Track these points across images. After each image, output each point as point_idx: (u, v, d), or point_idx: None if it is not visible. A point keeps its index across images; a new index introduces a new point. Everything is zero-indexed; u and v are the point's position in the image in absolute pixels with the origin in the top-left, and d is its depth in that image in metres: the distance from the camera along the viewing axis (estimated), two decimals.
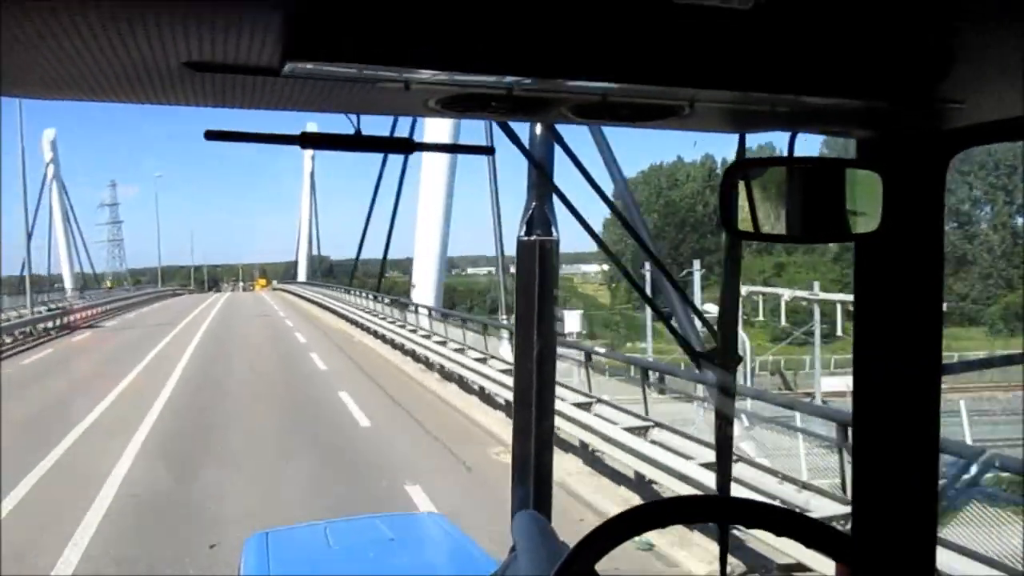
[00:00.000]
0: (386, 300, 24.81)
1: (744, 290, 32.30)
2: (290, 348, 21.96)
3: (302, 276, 78.73)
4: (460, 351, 13.73)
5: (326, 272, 78.01)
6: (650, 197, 61.30)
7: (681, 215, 56.91)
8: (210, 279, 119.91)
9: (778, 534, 0.92)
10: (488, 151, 1.10)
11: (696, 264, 30.99)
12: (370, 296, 27.91)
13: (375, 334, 22.17)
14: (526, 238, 1.96)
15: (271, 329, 28.69)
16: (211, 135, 1.00)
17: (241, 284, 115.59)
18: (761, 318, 35.72)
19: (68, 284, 65.72)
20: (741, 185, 1.04)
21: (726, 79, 0.82)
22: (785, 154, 1.08)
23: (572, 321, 36.35)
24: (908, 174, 1.08)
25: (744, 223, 1.05)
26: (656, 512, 0.90)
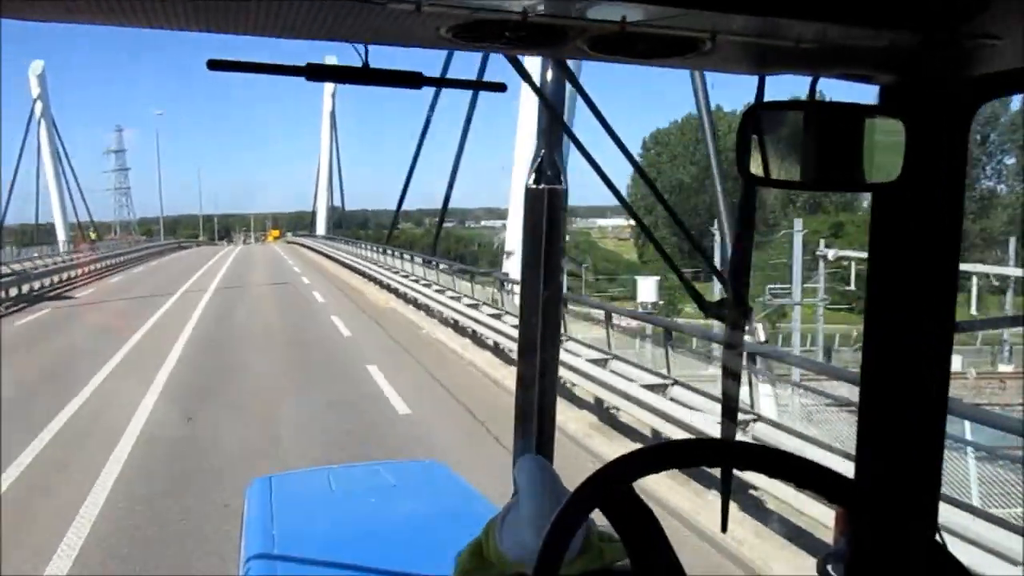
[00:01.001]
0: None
1: (831, 253, 30.07)
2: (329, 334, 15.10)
3: (321, 228, 72.49)
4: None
5: (336, 224, 72.77)
6: (688, 147, 60.21)
7: (724, 167, 54.78)
8: (220, 229, 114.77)
9: (778, 477, 0.90)
10: (500, 87, 1.06)
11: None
12: (433, 263, 19.49)
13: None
14: (534, 186, 1.92)
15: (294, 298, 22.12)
16: (214, 64, 0.98)
17: (252, 235, 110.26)
18: (853, 287, 31.13)
19: (61, 236, 54.78)
20: (759, 129, 1.01)
21: (749, 2, 0.79)
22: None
23: (647, 289, 31.94)
24: (932, 122, 1.04)
25: (760, 169, 1.02)
26: (656, 455, 0.88)
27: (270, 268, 37.74)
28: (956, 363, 22.49)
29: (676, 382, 7.75)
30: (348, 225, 74.23)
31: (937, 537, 1.16)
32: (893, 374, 1.13)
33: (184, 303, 20.88)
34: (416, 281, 19.85)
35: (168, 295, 22.84)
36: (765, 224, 43.14)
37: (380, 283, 23.86)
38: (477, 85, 1.01)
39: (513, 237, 17.68)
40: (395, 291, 21.21)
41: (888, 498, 1.12)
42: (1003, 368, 28.06)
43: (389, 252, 26.35)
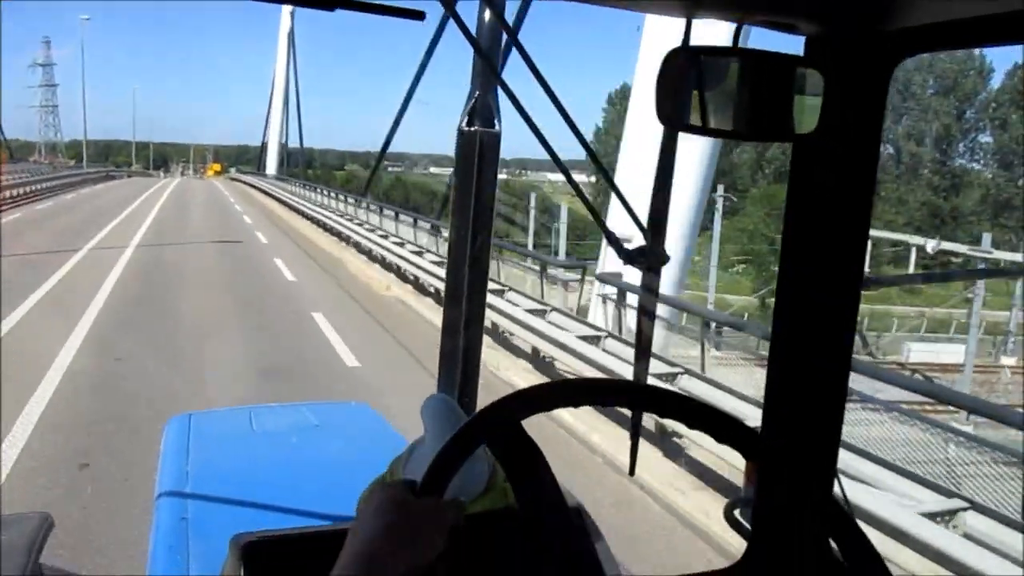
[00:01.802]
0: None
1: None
2: None
3: (271, 168, 64.04)
4: None
5: (290, 163, 63.62)
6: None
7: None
8: (157, 159, 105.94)
9: (690, 426, 0.91)
10: (418, 15, 1.01)
11: (720, 189, 27.59)
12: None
13: None
14: (467, 128, 1.88)
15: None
16: None
17: (192, 168, 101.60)
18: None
19: None
20: (683, 74, 0.99)
21: None
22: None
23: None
24: (851, 76, 1.04)
25: (683, 115, 1.00)
26: (564, 390, 0.87)
27: (214, 214, 31.16)
28: (959, 356, 22.13)
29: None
30: (297, 165, 65.50)
31: (836, 487, 1.20)
32: (802, 328, 1.14)
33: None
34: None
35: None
36: (735, 189, 43.14)
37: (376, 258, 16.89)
38: (393, 11, 0.96)
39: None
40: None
41: (791, 451, 1.15)
42: (1006, 361, 26.65)
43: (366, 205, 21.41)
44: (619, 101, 66.01)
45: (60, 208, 30.10)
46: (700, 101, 1.00)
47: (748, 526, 1.19)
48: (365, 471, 1.82)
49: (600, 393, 0.94)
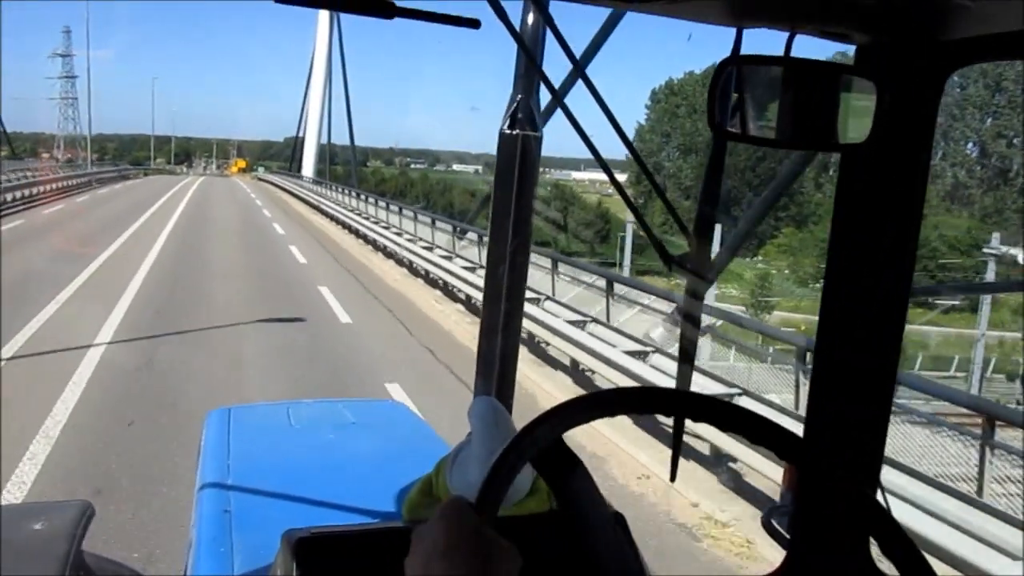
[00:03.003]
0: None
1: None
2: None
3: (308, 168, 52.69)
4: None
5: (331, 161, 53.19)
6: (692, 104, 59.32)
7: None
8: (180, 153, 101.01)
9: (728, 431, 0.91)
10: (474, 23, 1.03)
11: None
12: None
13: None
14: (508, 131, 1.90)
15: None
16: None
17: (215, 163, 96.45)
18: None
19: None
20: (733, 83, 1.00)
21: None
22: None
23: None
24: (903, 86, 1.04)
25: (732, 124, 1.01)
26: (605, 400, 0.89)
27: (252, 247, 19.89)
28: None
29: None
30: (337, 164, 56.69)
31: (879, 497, 1.20)
32: (848, 334, 1.15)
33: None
34: None
35: None
36: (791, 198, 41.58)
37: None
38: (450, 20, 0.98)
39: None
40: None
41: (834, 457, 1.15)
42: None
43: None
44: (664, 98, 65.66)
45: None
46: (751, 110, 1.01)
47: (786, 534, 1.20)
48: (405, 469, 1.85)
49: (640, 402, 0.95)
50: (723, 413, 0.90)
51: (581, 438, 5.94)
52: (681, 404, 0.95)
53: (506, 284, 1.90)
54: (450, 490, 1.34)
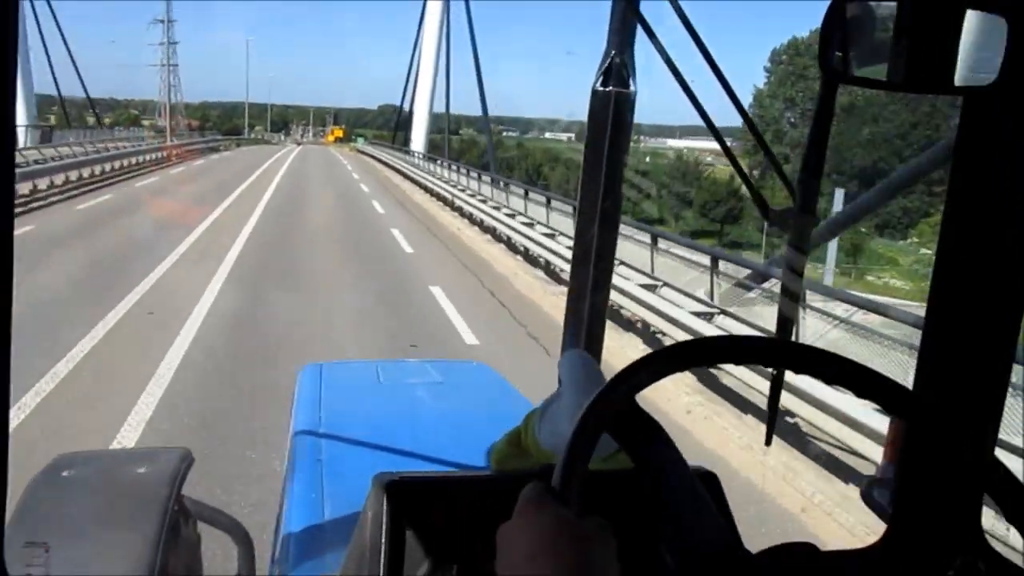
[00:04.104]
0: None
1: None
2: None
3: (418, 143, 46.37)
4: None
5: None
6: (808, 66, 55.55)
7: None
8: (277, 121, 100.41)
9: (833, 383, 0.86)
10: None
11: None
12: None
13: None
14: (601, 88, 1.85)
15: None
16: None
17: (311, 131, 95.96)
18: None
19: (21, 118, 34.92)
20: (847, 22, 0.94)
21: None
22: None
23: None
24: None
25: (843, 64, 0.95)
26: (703, 348, 0.85)
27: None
28: None
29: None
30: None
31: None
32: (964, 290, 1.07)
33: None
34: None
35: None
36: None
37: None
38: None
39: None
40: None
41: (949, 414, 1.07)
42: None
43: None
44: (789, 57, 62.40)
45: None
46: (864, 51, 0.95)
47: (887, 507, 1.14)
48: (486, 426, 1.87)
49: (740, 351, 0.91)
50: (828, 364, 0.85)
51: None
52: (785, 355, 0.90)
53: (595, 245, 1.87)
54: (538, 441, 1.33)
